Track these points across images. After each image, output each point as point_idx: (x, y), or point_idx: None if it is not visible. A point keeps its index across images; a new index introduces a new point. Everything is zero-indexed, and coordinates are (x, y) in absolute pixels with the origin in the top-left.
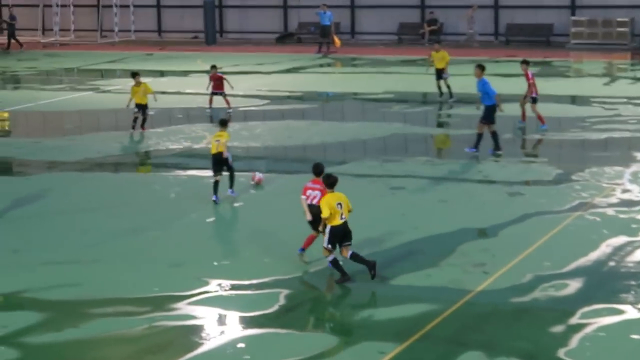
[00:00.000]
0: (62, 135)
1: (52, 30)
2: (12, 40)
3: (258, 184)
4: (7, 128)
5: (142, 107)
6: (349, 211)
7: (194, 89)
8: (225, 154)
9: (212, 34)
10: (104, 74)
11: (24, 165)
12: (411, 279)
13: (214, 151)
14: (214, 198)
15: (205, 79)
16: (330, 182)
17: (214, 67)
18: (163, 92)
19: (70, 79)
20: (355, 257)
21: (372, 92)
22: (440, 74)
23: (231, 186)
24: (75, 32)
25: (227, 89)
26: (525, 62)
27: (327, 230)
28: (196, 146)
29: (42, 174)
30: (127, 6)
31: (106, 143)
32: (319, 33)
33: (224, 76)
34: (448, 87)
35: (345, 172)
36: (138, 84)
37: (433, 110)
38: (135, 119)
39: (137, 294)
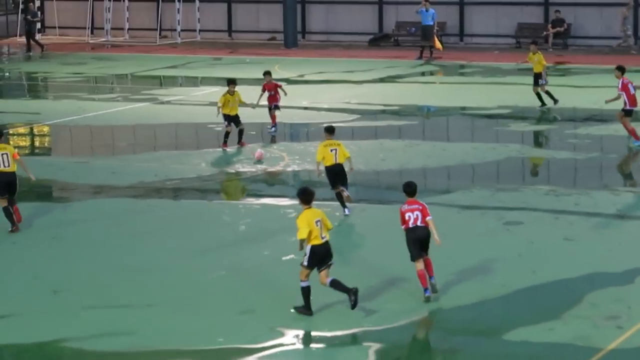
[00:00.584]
0: (113, 154)
1: (102, 29)
2: (33, 42)
3: (259, 160)
4: (47, 145)
5: (234, 120)
6: (329, 229)
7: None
8: (350, 167)
9: (293, 35)
10: (164, 81)
11: (66, 190)
12: (529, 333)
13: (330, 162)
14: (346, 212)
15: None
16: (306, 198)
17: (268, 73)
18: None
19: (123, 87)
20: (335, 284)
21: (483, 107)
22: (537, 79)
23: (345, 205)
24: (130, 32)
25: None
26: (619, 69)
27: (308, 249)
28: (272, 169)
29: (88, 200)
30: (192, 1)
31: (165, 164)
32: (420, 35)
33: (280, 84)
34: (547, 93)
35: (451, 203)
36: (232, 92)
37: (558, 129)
38: (227, 134)
39: (198, 345)
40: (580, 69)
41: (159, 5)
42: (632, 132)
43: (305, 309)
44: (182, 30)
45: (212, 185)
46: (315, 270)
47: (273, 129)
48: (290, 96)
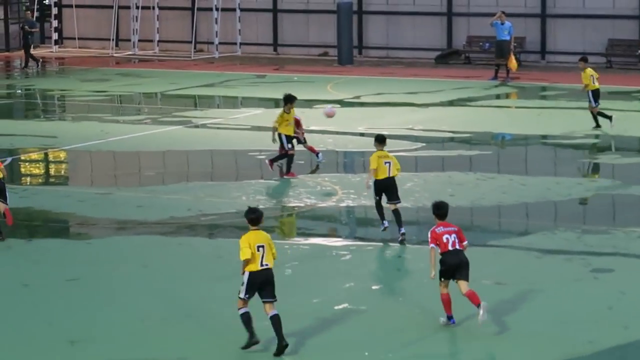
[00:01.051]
0: (140, 185)
1: (128, 40)
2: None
3: (330, 117)
4: (64, 173)
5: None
6: (274, 257)
7: (320, 125)
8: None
9: (348, 50)
10: (199, 102)
11: (87, 225)
12: None
13: (383, 176)
14: (385, 224)
15: (339, 112)
16: (254, 218)
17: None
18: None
19: (152, 108)
20: (276, 321)
21: (568, 136)
22: (596, 98)
23: (401, 224)
24: (160, 44)
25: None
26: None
27: (245, 277)
28: (322, 204)
29: (110, 238)
30: (232, 9)
31: (199, 197)
32: (495, 51)
33: (300, 118)
34: (598, 114)
35: (530, 246)
36: (288, 111)
37: None
38: (291, 159)
39: None
40: None
41: (194, 14)
42: None
43: (249, 339)
44: (220, 43)
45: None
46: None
47: (319, 156)
48: (345, 120)
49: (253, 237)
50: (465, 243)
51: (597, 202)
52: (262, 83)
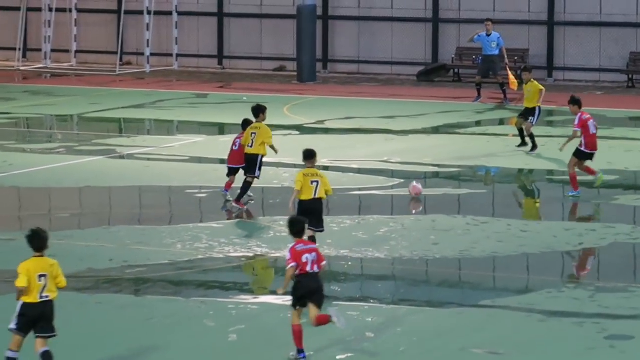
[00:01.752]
0: (51, 229)
1: (39, 50)
2: None
3: (417, 196)
4: None
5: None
6: (58, 287)
7: (274, 156)
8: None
9: (311, 64)
10: (125, 127)
11: None
12: None
13: (308, 197)
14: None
15: (297, 141)
16: (36, 246)
17: (247, 122)
18: (222, 162)
19: (67, 134)
20: (47, 357)
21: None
22: (528, 115)
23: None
24: (79, 55)
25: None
26: (574, 102)
27: (18, 306)
28: (276, 254)
29: (12, 294)
30: (167, 13)
31: (124, 244)
32: (480, 69)
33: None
34: (530, 136)
35: (532, 307)
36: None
37: None
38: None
39: None
40: None
41: (121, 18)
42: (573, 180)
43: None
44: (152, 54)
45: (191, 275)
46: None
47: (225, 191)
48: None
49: (33, 265)
50: (323, 264)
51: (615, 253)
52: (204, 104)
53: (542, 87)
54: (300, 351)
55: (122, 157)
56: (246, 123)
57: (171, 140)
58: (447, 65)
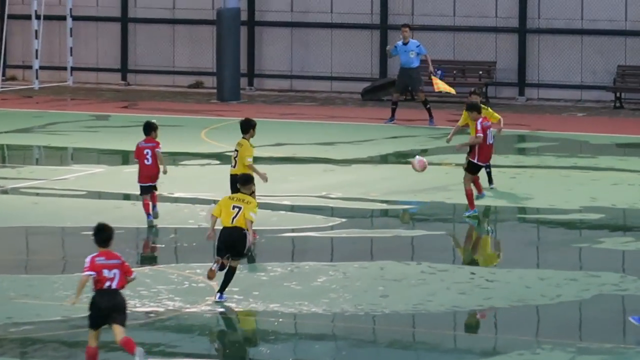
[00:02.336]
0: None
1: None
2: None
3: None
4: None
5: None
6: None
7: (189, 191)
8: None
9: (233, 80)
10: (9, 155)
11: None
12: None
13: (225, 223)
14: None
15: (217, 172)
16: None
17: (150, 127)
18: (127, 197)
19: None
20: None
21: (557, 208)
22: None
23: (222, 290)
24: None
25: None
26: (473, 108)
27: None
28: (192, 309)
29: None
30: (60, 18)
31: (8, 297)
32: (396, 83)
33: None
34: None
35: None
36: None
37: None
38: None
39: None
40: None
41: (4, 24)
42: (469, 197)
43: None
44: (42, 67)
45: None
46: None
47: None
48: (227, 184)
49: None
50: (131, 277)
51: (600, 308)
52: (104, 127)
53: (499, 116)
54: None
55: (5, 191)
56: (148, 127)
57: (65, 171)
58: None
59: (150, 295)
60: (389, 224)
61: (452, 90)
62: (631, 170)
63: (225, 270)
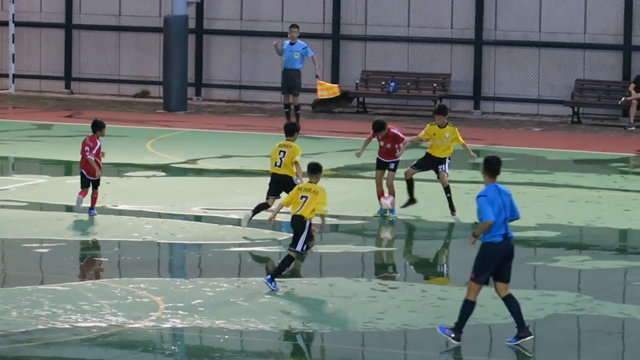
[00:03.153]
0: None
1: None
2: None
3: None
4: None
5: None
6: None
7: (133, 203)
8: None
9: (180, 89)
10: None
11: None
12: None
13: (294, 212)
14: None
15: (162, 185)
16: None
17: (98, 125)
18: (69, 209)
19: None
20: None
21: (515, 225)
22: (436, 166)
23: (273, 275)
24: None
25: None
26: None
27: None
28: (135, 324)
29: None
30: (2, 24)
31: None
32: (281, 86)
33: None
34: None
35: None
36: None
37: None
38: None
39: None
40: None
41: None
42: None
43: None
44: None
45: (29, 350)
46: None
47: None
48: (173, 196)
49: None
50: None
51: (555, 328)
52: (47, 137)
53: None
54: None
55: None
56: (95, 126)
57: (5, 181)
58: (349, 92)
59: (92, 309)
60: (339, 239)
61: (336, 90)
62: (588, 187)
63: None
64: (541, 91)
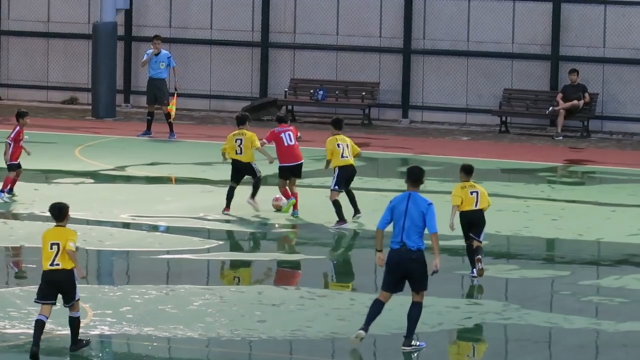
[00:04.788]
0: None
1: None
2: None
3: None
4: None
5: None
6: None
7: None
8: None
9: (109, 96)
10: None
11: None
12: None
13: (469, 207)
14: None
15: (91, 191)
16: (55, 214)
17: (21, 115)
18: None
19: None
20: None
21: (443, 234)
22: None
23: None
24: None
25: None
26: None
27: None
28: (62, 331)
29: None
30: None
31: None
32: (147, 94)
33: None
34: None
35: None
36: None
37: (569, 277)
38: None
39: None
40: (609, 173)
41: None
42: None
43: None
44: None
45: None
46: None
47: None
48: (100, 204)
49: (51, 234)
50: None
51: (482, 336)
52: None
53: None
54: None
55: None
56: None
57: None
58: (278, 100)
59: (20, 316)
60: (268, 247)
61: (172, 111)
62: (516, 197)
63: None
64: (469, 100)
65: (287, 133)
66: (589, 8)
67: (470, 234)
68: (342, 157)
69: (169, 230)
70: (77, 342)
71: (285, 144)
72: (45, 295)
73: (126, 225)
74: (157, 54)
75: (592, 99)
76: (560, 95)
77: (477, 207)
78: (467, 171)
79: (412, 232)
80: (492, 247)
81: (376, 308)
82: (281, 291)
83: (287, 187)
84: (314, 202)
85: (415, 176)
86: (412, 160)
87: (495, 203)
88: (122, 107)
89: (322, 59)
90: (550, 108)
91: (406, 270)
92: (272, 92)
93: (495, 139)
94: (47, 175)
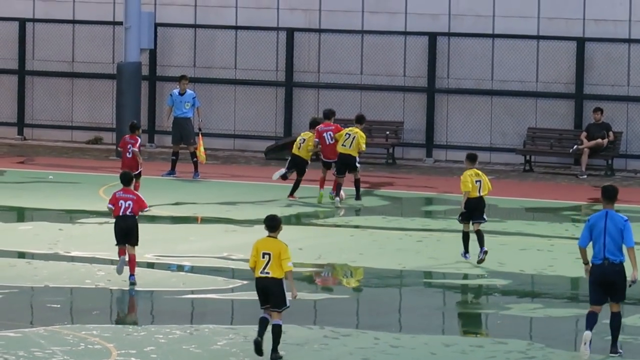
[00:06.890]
0: None
1: None
2: None
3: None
4: None
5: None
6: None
7: (88, 251)
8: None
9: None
10: None
11: None
12: None
13: (474, 195)
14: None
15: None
16: (270, 225)
17: (136, 125)
18: (22, 256)
19: None
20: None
21: (463, 273)
22: (347, 167)
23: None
24: None
25: None
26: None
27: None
28: None
29: None
30: None
31: None
32: (173, 133)
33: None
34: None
35: None
36: None
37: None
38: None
39: None
40: (633, 211)
41: None
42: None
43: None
44: None
45: None
46: None
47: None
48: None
49: (262, 244)
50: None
51: None
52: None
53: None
54: None
55: None
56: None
57: None
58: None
59: (44, 356)
60: (301, 287)
61: (204, 159)
62: (540, 235)
63: None
64: (493, 139)
65: (328, 133)
66: (613, 46)
67: (472, 220)
68: None
69: (193, 270)
70: (275, 351)
71: (327, 143)
72: (261, 301)
73: (150, 265)
74: (182, 94)
75: (616, 138)
76: (584, 133)
77: (480, 194)
78: (472, 159)
79: (613, 247)
80: (517, 286)
81: (593, 318)
82: (305, 330)
83: (324, 177)
84: (338, 242)
85: (610, 194)
86: (436, 199)
87: (520, 242)
88: (147, 146)
89: (346, 99)
90: (575, 147)
91: (610, 282)
92: (297, 131)
93: (520, 178)
94: (71, 216)
